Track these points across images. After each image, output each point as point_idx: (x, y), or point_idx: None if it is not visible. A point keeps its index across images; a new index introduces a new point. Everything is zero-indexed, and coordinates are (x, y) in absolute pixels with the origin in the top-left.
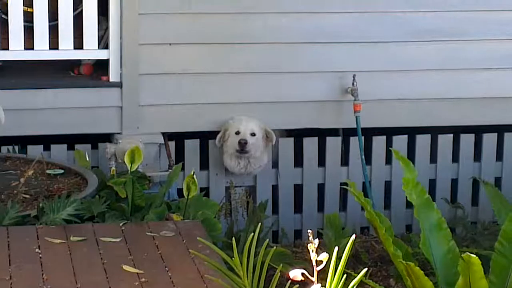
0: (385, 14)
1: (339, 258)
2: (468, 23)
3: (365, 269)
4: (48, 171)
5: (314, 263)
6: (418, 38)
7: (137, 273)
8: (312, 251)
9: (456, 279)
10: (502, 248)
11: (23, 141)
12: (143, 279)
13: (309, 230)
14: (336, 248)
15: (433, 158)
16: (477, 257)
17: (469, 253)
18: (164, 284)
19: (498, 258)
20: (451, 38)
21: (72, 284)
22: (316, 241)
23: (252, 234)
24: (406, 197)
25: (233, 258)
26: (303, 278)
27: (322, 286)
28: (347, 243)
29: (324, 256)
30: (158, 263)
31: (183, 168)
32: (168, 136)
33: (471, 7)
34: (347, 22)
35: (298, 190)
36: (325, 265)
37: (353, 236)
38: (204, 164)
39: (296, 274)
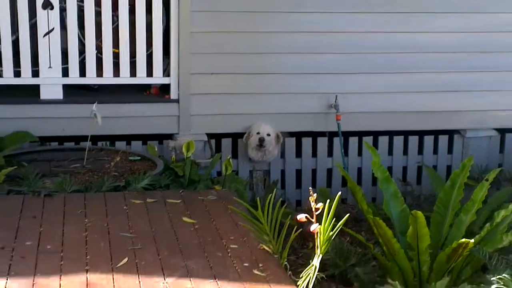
0: (359, 54)
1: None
2: (412, 59)
3: (348, 214)
4: (130, 158)
5: (313, 209)
6: (379, 70)
7: (192, 222)
8: (312, 201)
9: (407, 229)
10: (439, 209)
11: (113, 138)
12: (196, 226)
13: (310, 188)
14: (328, 200)
15: (390, 152)
16: (421, 213)
17: (416, 210)
18: (210, 229)
19: (436, 216)
20: (401, 71)
21: (148, 229)
22: (315, 195)
23: (270, 195)
24: (371, 177)
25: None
26: (306, 220)
27: (319, 224)
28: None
29: (320, 205)
30: (206, 216)
31: (220, 158)
32: (210, 135)
33: (416, 50)
34: (334, 60)
35: (298, 173)
36: (320, 212)
37: (339, 193)
38: (234, 154)
39: (301, 217)
